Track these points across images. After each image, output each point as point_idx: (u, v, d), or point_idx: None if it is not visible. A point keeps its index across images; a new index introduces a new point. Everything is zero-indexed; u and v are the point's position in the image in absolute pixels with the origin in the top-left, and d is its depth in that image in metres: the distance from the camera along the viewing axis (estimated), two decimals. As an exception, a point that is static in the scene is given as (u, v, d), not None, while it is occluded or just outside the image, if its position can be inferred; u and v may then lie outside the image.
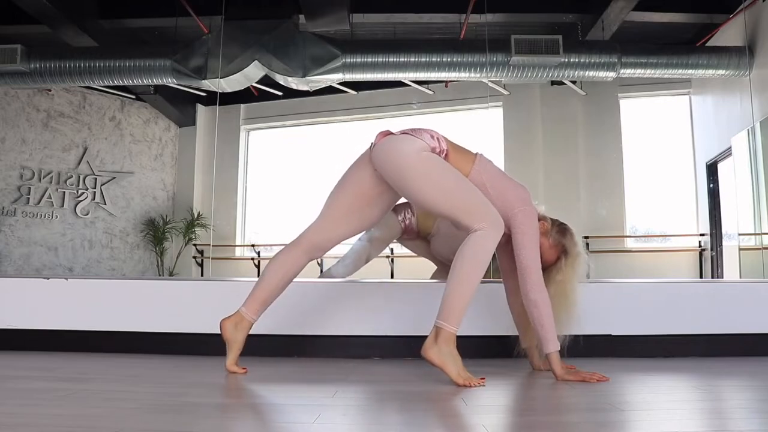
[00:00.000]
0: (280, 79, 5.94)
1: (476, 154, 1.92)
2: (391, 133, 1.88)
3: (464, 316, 1.72)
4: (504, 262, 2.03)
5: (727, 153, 6.02)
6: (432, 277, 2.89)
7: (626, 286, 2.63)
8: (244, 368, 1.88)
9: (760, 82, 5.40)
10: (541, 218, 1.95)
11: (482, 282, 2.25)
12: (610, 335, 2.39)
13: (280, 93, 7.39)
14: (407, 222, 2.77)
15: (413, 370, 2.02)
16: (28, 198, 7.14)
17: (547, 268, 1.94)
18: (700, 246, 6.70)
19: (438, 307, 1.74)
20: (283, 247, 1.97)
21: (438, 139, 1.86)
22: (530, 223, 1.85)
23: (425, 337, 1.75)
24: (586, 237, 6.31)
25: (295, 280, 1.98)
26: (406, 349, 2.31)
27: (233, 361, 1.87)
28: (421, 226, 2.78)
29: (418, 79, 6.62)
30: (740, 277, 5.52)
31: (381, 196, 1.90)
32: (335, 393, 1.59)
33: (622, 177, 7.08)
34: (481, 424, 1.21)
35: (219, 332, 1.89)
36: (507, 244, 1.92)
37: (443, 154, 1.85)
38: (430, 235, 2.80)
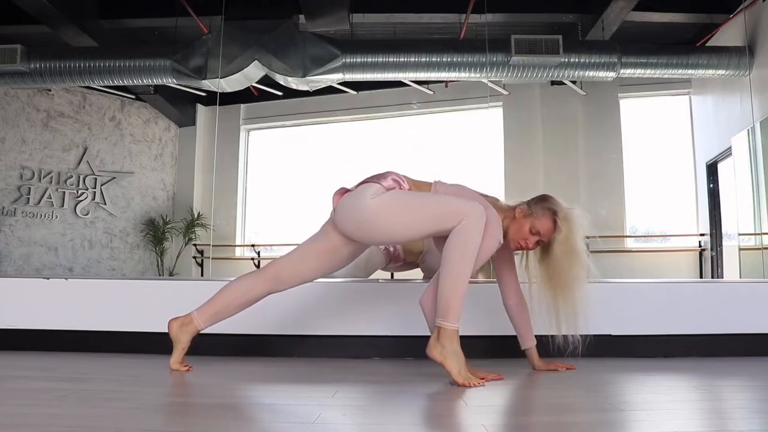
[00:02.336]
0: (280, 79, 5.94)
1: (433, 182, 1.92)
2: (347, 190, 1.88)
3: (462, 310, 1.71)
4: (499, 265, 2.04)
5: (727, 153, 6.01)
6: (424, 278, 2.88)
7: (626, 286, 2.64)
8: (187, 366, 1.91)
9: (760, 82, 5.40)
10: (516, 207, 1.93)
11: (481, 282, 2.26)
12: (610, 335, 2.39)
13: (280, 93, 7.39)
14: (391, 249, 2.72)
15: (413, 370, 2.02)
16: (28, 198, 7.14)
17: (551, 238, 1.89)
18: (700, 246, 6.70)
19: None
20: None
21: (398, 180, 1.85)
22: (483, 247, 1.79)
23: (425, 337, 1.76)
24: (587, 237, 6.29)
25: (294, 280, 1.98)
26: (406, 349, 2.31)
27: (175, 360, 1.90)
28: (412, 250, 2.73)
29: (418, 79, 6.62)
30: (740, 277, 5.52)
31: (353, 244, 1.92)
32: (335, 393, 1.59)
33: (622, 177, 7.07)
34: (481, 424, 1.21)
35: (216, 332, 1.92)
36: (502, 249, 1.93)
37: None
38: (422, 255, 2.75)
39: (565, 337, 1.89)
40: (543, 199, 1.94)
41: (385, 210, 1.77)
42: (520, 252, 2.00)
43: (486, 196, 1.96)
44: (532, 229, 1.88)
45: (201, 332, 1.94)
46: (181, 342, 1.91)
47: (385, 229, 1.78)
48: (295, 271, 1.94)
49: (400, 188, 1.85)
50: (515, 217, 1.91)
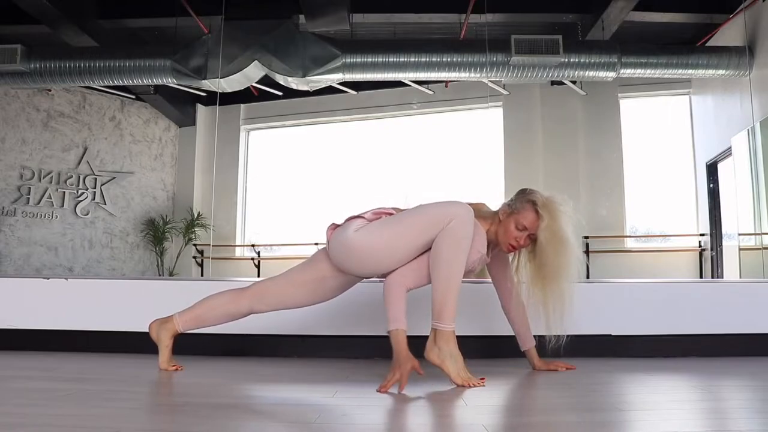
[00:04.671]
0: (280, 79, 5.94)
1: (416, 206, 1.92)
2: (337, 225, 1.87)
3: (456, 311, 1.70)
4: (493, 268, 2.04)
5: (727, 153, 6.02)
6: None
7: (626, 286, 2.64)
8: (175, 365, 1.92)
9: (760, 82, 5.40)
10: (498, 211, 1.93)
11: (480, 283, 2.26)
12: (610, 335, 2.39)
13: (280, 93, 7.39)
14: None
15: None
16: (28, 198, 7.14)
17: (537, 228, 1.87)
18: (700, 246, 6.70)
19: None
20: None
21: (381, 213, 1.84)
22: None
23: (425, 337, 1.75)
24: (586, 237, 6.31)
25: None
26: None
27: (163, 360, 1.92)
28: None
29: (418, 79, 6.62)
30: (740, 277, 5.52)
31: (341, 277, 1.91)
32: (335, 393, 1.59)
33: (622, 177, 7.08)
34: (481, 424, 1.21)
35: (216, 332, 1.93)
36: (496, 253, 1.93)
37: None
38: None
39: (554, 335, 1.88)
40: (522, 193, 1.92)
41: (368, 239, 1.75)
42: (512, 254, 1.98)
43: (472, 204, 1.94)
44: (518, 225, 1.86)
45: (183, 333, 1.94)
46: (161, 342, 1.92)
47: (377, 258, 1.75)
48: (278, 295, 1.93)
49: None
50: (501, 220, 1.90)
